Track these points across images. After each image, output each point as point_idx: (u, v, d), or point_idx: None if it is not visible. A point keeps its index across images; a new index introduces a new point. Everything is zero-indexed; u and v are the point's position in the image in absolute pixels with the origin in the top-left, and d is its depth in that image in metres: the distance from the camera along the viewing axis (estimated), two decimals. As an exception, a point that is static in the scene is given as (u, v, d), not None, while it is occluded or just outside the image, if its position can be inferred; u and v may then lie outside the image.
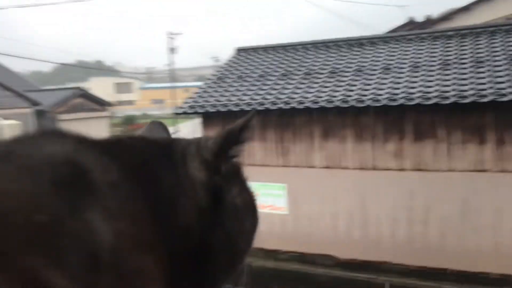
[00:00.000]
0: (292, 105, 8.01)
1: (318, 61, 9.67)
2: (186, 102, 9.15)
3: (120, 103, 60.69)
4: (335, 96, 7.89)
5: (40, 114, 26.13)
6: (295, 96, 8.27)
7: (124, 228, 0.37)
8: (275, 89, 8.74)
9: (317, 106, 7.82)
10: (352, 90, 7.98)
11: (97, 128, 31.06)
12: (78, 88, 32.45)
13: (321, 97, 8.01)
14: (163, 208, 0.45)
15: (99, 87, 63.40)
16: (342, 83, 8.35)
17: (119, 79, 71.49)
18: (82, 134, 0.49)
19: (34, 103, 24.17)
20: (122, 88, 70.34)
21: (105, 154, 0.44)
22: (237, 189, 0.56)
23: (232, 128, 0.56)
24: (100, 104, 32.32)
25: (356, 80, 8.37)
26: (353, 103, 7.54)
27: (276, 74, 9.51)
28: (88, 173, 0.38)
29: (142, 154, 0.48)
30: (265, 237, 6.82)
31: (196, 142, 0.54)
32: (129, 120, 39.32)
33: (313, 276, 8.13)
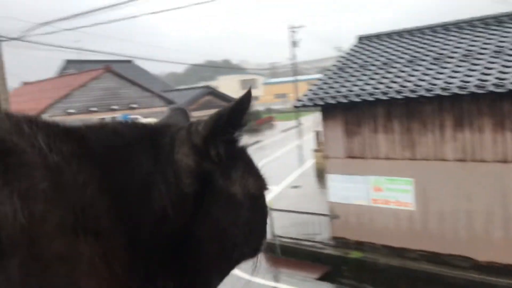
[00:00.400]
0: (419, 93, 7.43)
1: (449, 44, 8.81)
2: (305, 95, 9.09)
3: (246, 99, 63.17)
4: (469, 82, 7.10)
5: (174, 111, 28.52)
6: (423, 83, 7.65)
7: (42, 211, 0.35)
8: (400, 77, 8.20)
9: (449, 93, 7.13)
10: (489, 74, 7.10)
11: (224, 123, 32.81)
12: (207, 86, 34.68)
13: (452, 83, 7.29)
14: (130, 193, 0.42)
15: (226, 85, 66.96)
16: (477, 67, 7.48)
17: (244, 76, 74.55)
18: (45, 118, 0.45)
19: (169, 102, 26.42)
20: (247, 84, 73.17)
21: (61, 138, 0.41)
22: (236, 175, 0.51)
23: (223, 110, 0.51)
24: (227, 100, 34.12)
25: (494, 63, 7.42)
26: (491, 88, 6.70)
27: (401, 60, 8.92)
28: (16, 153, 0.37)
29: (117, 139, 0.46)
30: (390, 234, 6.54)
31: (187, 127, 0.50)
32: (253, 115, 40.76)
33: (446, 278, 7.47)
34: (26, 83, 28.08)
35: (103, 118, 22.12)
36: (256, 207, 0.54)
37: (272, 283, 8.64)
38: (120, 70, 26.45)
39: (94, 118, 21.06)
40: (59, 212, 0.36)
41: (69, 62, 32.56)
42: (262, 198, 0.56)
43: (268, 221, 0.67)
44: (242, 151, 0.54)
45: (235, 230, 0.52)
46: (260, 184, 0.56)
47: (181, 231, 0.46)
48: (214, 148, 0.49)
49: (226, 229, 0.51)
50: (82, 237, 0.37)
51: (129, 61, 34.92)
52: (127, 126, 0.49)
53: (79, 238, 0.37)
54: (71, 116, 19.25)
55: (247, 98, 0.52)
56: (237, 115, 0.51)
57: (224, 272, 0.55)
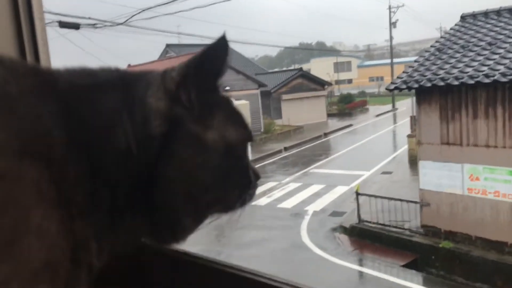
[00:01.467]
0: (528, 75, 6.80)
1: None
2: (400, 77, 8.76)
3: (339, 82, 62.08)
4: None
5: (266, 94, 29.03)
6: (534, 65, 6.98)
7: None
8: (507, 58, 7.54)
9: None
10: None
11: (316, 106, 32.69)
12: (299, 69, 34.61)
13: None
14: (92, 129, 0.45)
15: (319, 67, 66.07)
16: None
17: (338, 59, 72.93)
18: (18, 60, 0.53)
19: (261, 85, 26.92)
20: (341, 67, 71.62)
21: (24, 74, 0.46)
22: (212, 122, 0.52)
23: (197, 56, 0.51)
24: (319, 83, 33.78)
25: None
26: None
27: (510, 40, 8.17)
28: None
29: (88, 79, 0.49)
30: (487, 225, 6.24)
31: (162, 72, 0.53)
32: (345, 98, 39.91)
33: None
34: (130, 66, 30.40)
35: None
36: (232, 156, 0.53)
37: (356, 267, 8.63)
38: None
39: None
40: (2, 135, 0.39)
41: (169, 46, 34.46)
42: (241, 148, 0.55)
43: (248, 173, 0.61)
44: (223, 101, 0.54)
45: (204, 173, 0.52)
46: (241, 134, 0.55)
47: (147, 169, 0.48)
48: (185, 93, 0.50)
49: (193, 170, 0.51)
50: (27, 161, 0.39)
51: (224, 44, 35.91)
52: (106, 70, 0.52)
53: (24, 161, 0.39)
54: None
55: (221, 44, 0.51)
56: (211, 62, 0.51)
57: (196, 215, 0.55)
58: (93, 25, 14.09)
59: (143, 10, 14.61)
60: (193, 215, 0.54)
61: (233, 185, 0.56)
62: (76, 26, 13.07)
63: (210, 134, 0.53)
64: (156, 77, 0.52)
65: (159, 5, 15.05)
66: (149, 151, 0.49)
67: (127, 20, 14.49)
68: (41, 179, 0.40)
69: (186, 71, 0.51)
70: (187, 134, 0.51)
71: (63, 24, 12.59)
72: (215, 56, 0.52)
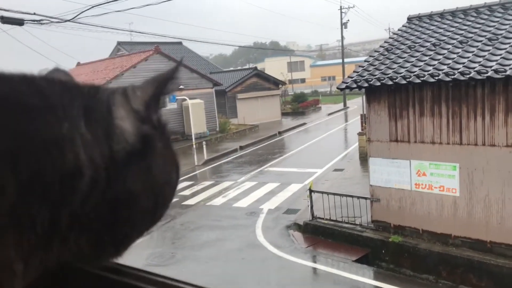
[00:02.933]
0: (470, 75, 7.14)
1: (506, 24, 8.36)
2: (350, 77, 8.96)
3: (292, 81, 62.87)
4: (525, 63, 6.73)
5: (221, 93, 28.93)
6: (474, 65, 7.33)
7: None
8: (450, 59, 7.89)
9: (502, 76, 6.80)
10: (548, 55, 6.70)
11: (270, 105, 32.94)
12: (254, 68, 34.75)
13: (507, 64, 6.94)
14: (38, 152, 0.42)
15: (274, 66, 66.68)
16: (536, 48, 7.07)
17: (292, 58, 73.83)
18: None
19: (216, 84, 26.79)
20: (294, 66, 72.52)
21: None
22: (160, 146, 0.51)
23: (161, 77, 0.51)
24: (273, 83, 34.08)
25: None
26: (549, 70, 6.32)
27: (453, 41, 8.56)
28: None
29: (37, 99, 0.45)
30: (433, 219, 6.46)
31: (122, 91, 0.50)
32: (299, 98, 40.52)
33: (489, 266, 7.26)
34: (80, 64, 29.35)
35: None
36: (175, 179, 0.55)
37: (310, 263, 8.74)
38: (169, 52, 27.02)
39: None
40: None
41: (121, 44, 33.59)
42: (178, 171, 0.55)
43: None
44: (164, 121, 0.53)
45: (167, 190, 0.52)
46: (175, 162, 0.55)
47: (108, 191, 0.45)
48: (155, 113, 0.50)
49: (158, 187, 0.51)
50: None
51: (178, 43, 35.53)
52: (56, 87, 0.48)
53: None
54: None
55: (177, 67, 0.52)
56: (170, 83, 0.51)
57: (145, 231, 0.53)
58: (39, 21, 13.44)
59: (93, 7, 14.07)
60: (142, 231, 0.53)
61: (170, 202, 0.56)
62: (19, 22, 12.42)
63: (173, 151, 0.54)
64: (116, 96, 0.49)
65: (109, 2, 14.55)
66: (111, 172, 0.45)
67: (75, 16, 13.90)
68: None
69: (153, 92, 0.50)
70: (156, 152, 0.50)
71: (5, 20, 11.93)
72: (172, 80, 0.52)
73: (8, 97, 0.44)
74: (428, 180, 8.10)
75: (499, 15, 8.91)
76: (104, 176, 0.45)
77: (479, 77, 7.03)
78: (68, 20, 13.21)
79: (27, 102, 0.44)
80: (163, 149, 0.52)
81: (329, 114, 35.57)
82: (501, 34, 8.02)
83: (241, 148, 21.90)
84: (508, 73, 6.71)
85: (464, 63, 7.52)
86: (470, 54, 7.75)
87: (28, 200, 0.41)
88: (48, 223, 0.42)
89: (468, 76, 7.13)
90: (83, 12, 13.51)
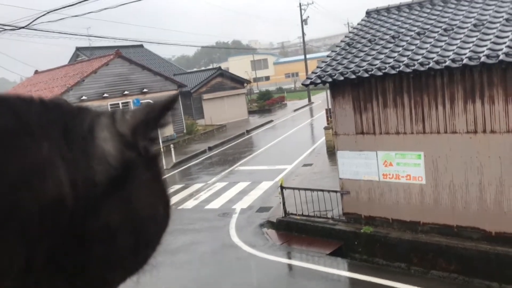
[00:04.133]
0: (429, 65, 7.34)
1: (459, 14, 8.65)
2: (314, 72, 9.04)
3: (257, 79, 63.04)
4: (480, 52, 6.98)
5: (186, 94, 28.65)
6: (433, 55, 7.55)
7: None
8: (409, 50, 8.10)
9: (459, 65, 7.03)
10: (501, 44, 6.97)
11: (236, 104, 32.91)
12: (217, 68, 34.61)
13: (463, 54, 7.18)
14: (15, 180, 0.37)
15: (237, 65, 66.65)
16: (489, 36, 7.34)
17: (255, 56, 73.99)
18: None
19: (180, 85, 26.51)
20: (258, 64, 72.74)
21: None
22: (144, 176, 0.47)
23: (155, 104, 0.48)
24: (238, 82, 34.06)
25: (506, 32, 7.28)
26: (502, 57, 6.58)
27: (411, 33, 8.79)
28: None
29: (13, 121, 0.40)
30: (401, 208, 6.59)
31: (109, 114, 0.46)
32: (264, 95, 40.67)
33: (457, 249, 7.51)
34: (38, 72, 28.38)
35: (115, 104, 22.32)
36: (162, 215, 0.50)
37: (285, 260, 8.79)
38: (130, 55, 26.55)
39: (107, 104, 21.28)
40: None
41: (80, 49, 32.72)
42: (167, 207, 0.51)
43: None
44: (156, 154, 0.50)
45: (153, 226, 0.48)
46: (166, 196, 0.51)
47: (81, 221, 0.41)
48: (142, 140, 0.46)
49: (143, 221, 0.46)
50: None
51: (139, 46, 34.95)
52: (33, 107, 0.44)
53: None
54: (84, 103, 19.45)
55: (176, 98, 0.49)
56: (165, 113, 0.48)
57: (130, 273, 0.48)
58: (-9, 29, 12.89)
59: (48, 12, 13.61)
60: (122, 276, 0.47)
61: (158, 244, 0.51)
62: (-32, 31, 11.87)
63: (161, 186, 0.49)
64: (102, 118, 0.45)
65: (65, 7, 14.11)
66: (89, 202, 0.41)
67: (30, 23, 13.41)
68: None
69: (145, 117, 0.46)
70: (139, 182, 0.46)
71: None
72: (169, 109, 0.48)
73: None
74: (395, 170, 8.29)
75: (453, 5, 9.21)
76: (84, 206, 0.40)
77: (437, 67, 7.24)
78: (23, 27, 12.74)
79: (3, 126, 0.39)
80: (148, 180, 0.47)
81: (295, 110, 35.87)
82: (455, 24, 8.29)
83: (210, 149, 21.78)
84: (464, 62, 6.94)
85: (423, 54, 7.73)
86: (428, 45, 7.97)
87: (3, 240, 0.36)
88: (23, 264, 0.38)
89: (427, 66, 7.33)
90: (38, 18, 13.07)
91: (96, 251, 0.42)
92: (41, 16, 13.38)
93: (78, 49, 32.72)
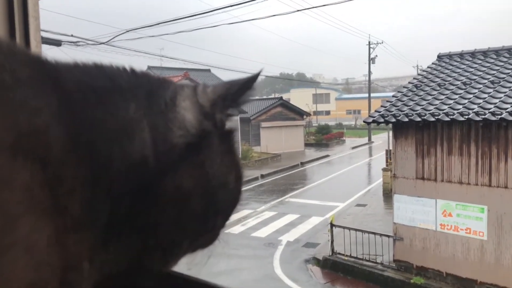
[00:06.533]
0: (501, 116, 6.98)
1: (540, 66, 8.21)
2: (377, 111, 8.89)
3: (317, 112, 62.97)
4: (560, 107, 6.56)
5: (245, 120, 29.11)
6: (506, 106, 7.19)
7: None
8: (481, 98, 7.76)
9: (534, 118, 6.63)
10: None
11: (294, 135, 32.94)
12: (279, 98, 34.99)
13: (540, 107, 6.77)
14: (103, 135, 0.40)
15: (299, 97, 67.03)
16: None
17: (318, 90, 74.16)
18: (18, 46, 0.45)
19: (241, 111, 27.02)
20: (319, 98, 72.79)
21: (24, 62, 0.41)
22: (218, 146, 0.49)
23: (235, 82, 0.50)
24: (298, 113, 34.17)
25: None
26: None
27: (484, 81, 8.44)
28: None
29: (102, 80, 0.44)
30: (458, 262, 6.22)
31: (192, 87, 0.49)
32: (323, 129, 40.40)
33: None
34: (112, 85, 30.06)
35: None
36: (232, 186, 0.51)
37: (328, 300, 8.48)
38: (198, 78, 27.55)
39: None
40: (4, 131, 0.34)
41: (151, 68, 34.44)
42: (238, 185, 0.52)
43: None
44: (232, 130, 0.52)
45: (223, 192, 0.49)
46: (240, 169, 0.53)
47: (159, 182, 0.43)
48: (220, 113, 0.48)
49: (214, 187, 0.48)
50: (20, 160, 0.35)
51: (207, 70, 36.25)
52: (123, 72, 0.47)
53: (16, 159, 0.34)
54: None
55: (255, 78, 0.51)
56: (243, 91, 0.50)
57: (195, 238, 0.50)
58: (75, 43, 13.96)
59: (127, 31, 14.57)
60: (190, 240, 0.50)
61: (227, 216, 0.53)
62: (57, 43, 12.92)
63: (227, 158, 0.50)
64: (185, 89, 0.49)
65: (144, 27, 15.05)
66: (167, 163, 0.43)
67: (110, 39, 14.40)
68: (35, 182, 0.35)
69: (225, 92, 0.49)
70: (213, 150, 0.48)
71: (44, 40, 12.45)
72: (249, 87, 0.50)
73: (78, 80, 0.43)
74: (454, 221, 7.85)
75: (533, 57, 8.77)
76: (162, 167, 0.43)
77: (510, 118, 6.87)
78: (103, 43, 13.68)
79: (95, 84, 0.43)
80: (222, 151, 0.49)
81: (353, 147, 35.25)
82: (534, 76, 7.87)
83: (262, 176, 21.81)
84: (542, 115, 6.54)
85: (495, 103, 7.38)
86: (502, 95, 7.61)
87: (96, 196, 0.39)
88: (108, 219, 0.40)
89: (499, 116, 6.98)
90: (117, 35, 13.98)
91: (168, 211, 0.44)
92: (120, 34, 14.33)
93: (149, 67, 34.45)
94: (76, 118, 0.39)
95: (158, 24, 13.55)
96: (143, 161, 0.41)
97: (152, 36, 15.66)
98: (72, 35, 13.65)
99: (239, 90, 0.49)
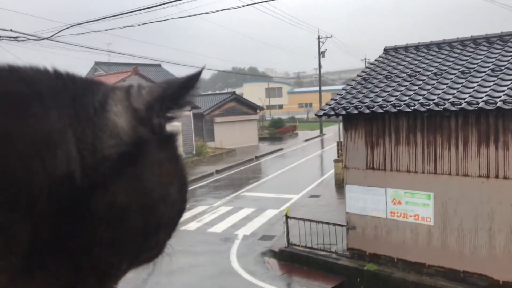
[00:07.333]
0: (444, 106, 7.31)
1: (478, 58, 8.66)
2: (328, 104, 9.06)
3: (270, 106, 63.44)
4: (497, 96, 6.95)
5: (198, 116, 28.87)
6: (449, 96, 7.53)
7: None
8: (425, 90, 8.09)
9: (475, 108, 6.99)
10: (518, 90, 6.94)
11: (248, 129, 33.03)
12: (232, 93, 34.94)
13: (480, 97, 7.15)
14: (19, 153, 0.35)
15: (252, 92, 67.26)
16: (507, 82, 7.32)
17: (270, 84, 74.66)
18: None
19: (194, 107, 26.73)
20: (272, 92, 73.34)
21: None
22: (157, 154, 0.44)
23: (173, 81, 0.45)
24: (251, 107, 34.29)
25: (525, 78, 7.26)
26: (520, 104, 6.54)
27: (428, 73, 8.80)
28: None
29: (20, 85, 0.38)
30: (407, 248, 6.45)
31: (125, 88, 0.44)
32: (276, 123, 40.81)
33: (463, 297, 7.29)
34: (56, 82, 28.82)
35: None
36: (175, 198, 0.46)
37: (285, 291, 8.59)
38: (148, 74, 26.92)
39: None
40: None
41: (98, 64, 33.29)
42: (182, 190, 0.48)
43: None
44: (174, 135, 0.47)
45: (164, 206, 0.45)
46: (183, 176, 0.48)
47: (88, 198, 0.38)
48: (157, 117, 0.43)
49: (153, 200, 0.43)
50: None
51: (157, 65, 35.50)
52: (43, 74, 0.42)
53: None
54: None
55: (197, 76, 0.47)
56: (184, 92, 0.46)
57: (135, 258, 0.46)
58: (15, 38, 13.22)
59: (72, 26, 13.95)
60: (129, 260, 0.45)
61: (172, 229, 0.48)
62: (-6, 38, 12.18)
63: (178, 165, 0.47)
64: (117, 92, 0.43)
65: (89, 21, 14.46)
66: (97, 178, 0.38)
67: (54, 34, 13.73)
68: None
69: (162, 93, 0.44)
70: (150, 160, 0.43)
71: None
72: (189, 87, 0.46)
73: None
74: (403, 208, 8.16)
75: (471, 49, 9.24)
76: (92, 182, 0.38)
77: (453, 108, 7.21)
78: (46, 38, 13.04)
79: (8, 90, 0.37)
80: (162, 160, 0.45)
81: (306, 140, 35.86)
82: (473, 68, 8.29)
83: (218, 172, 21.74)
84: (480, 105, 6.91)
85: (439, 94, 7.71)
86: (444, 86, 7.96)
87: (12, 220, 0.34)
88: (30, 243, 0.35)
89: (442, 107, 7.30)
90: (61, 30, 13.37)
91: (102, 232, 0.39)
92: (65, 29, 13.70)
93: (96, 63, 33.30)
94: None
95: (104, 18, 13.07)
96: (68, 177, 0.37)
97: (98, 31, 15.11)
98: (11, 30, 12.91)
99: (179, 90, 0.45)
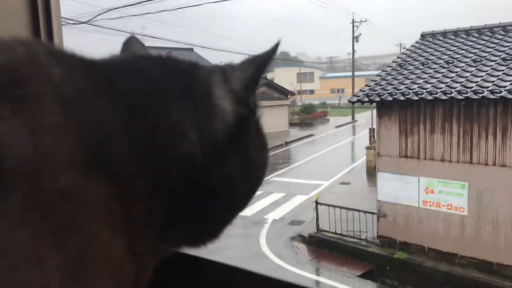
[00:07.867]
0: (483, 94, 7.11)
1: (520, 45, 8.34)
2: (361, 90, 8.95)
3: (301, 92, 62.95)
4: (539, 85, 6.70)
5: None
6: (488, 84, 7.31)
7: (50, 145, 0.33)
8: (463, 77, 7.87)
9: (515, 96, 6.77)
10: None
11: (278, 115, 32.94)
12: (264, 78, 34.75)
13: (520, 85, 6.91)
14: (155, 139, 0.41)
15: (283, 77, 66.72)
16: (551, 70, 7.04)
17: (302, 69, 73.91)
18: (66, 49, 0.44)
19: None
20: (304, 77, 72.67)
21: (79, 71, 0.40)
22: (254, 129, 0.51)
23: (260, 58, 0.49)
24: (282, 92, 34.09)
25: None
26: None
27: (466, 60, 8.54)
28: (26, 83, 0.35)
29: (146, 85, 0.44)
30: (439, 237, 6.38)
31: (221, 71, 0.48)
32: (307, 108, 40.48)
33: (494, 287, 7.17)
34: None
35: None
36: (266, 163, 0.54)
37: (313, 276, 8.68)
38: (181, 57, 27.14)
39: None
40: (68, 147, 0.34)
41: (134, 47, 33.73)
42: (268, 156, 0.56)
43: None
44: (259, 109, 0.53)
45: (261, 173, 0.54)
46: (266, 143, 0.56)
47: (206, 174, 0.45)
48: (252, 95, 0.48)
49: (255, 170, 0.51)
50: (93, 176, 0.35)
51: (190, 49, 35.72)
52: (160, 72, 0.47)
53: (90, 177, 0.34)
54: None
55: (274, 52, 0.50)
56: (265, 67, 0.49)
57: (234, 217, 0.53)
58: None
59: (109, 10, 14.24)
60: (236, 214, 0.53)
61: (249, 197, 0.56)
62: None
63: (263, 133, 0.55)
64: (215, 75, 0.48)
65: (125, 6, 14.72)
66: (214, 156, 0.45)
67: (91, 19, 14.07)
68: (108, 197, 0.36)
69: (252, 73, 0.48)
70: (252, 134, 0.51)
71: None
72: (269, 62, 0.49)
73: (125, 83, 0.42)
74: (436, 197, 8.04)
75: (514, 35, 8.89)
76: (211, 161, 0.44)
77: (492, 96, 7.01)
78: (84, 22, 13.36)
79: (140, 87, 0.43)
80: (256, 131, 0.53)
81: (337, 126, 35.49)
82: (515, 55, 7.99)
83: (248, 156, 21.86)
84: (521, 94, 6.68)
85: (477, 82, 7.50)
86: (483, 73, 7.73)
87: (157, 200, 0.41)
88: (163, 216, 0.42)
89: (481, 95, 7.11)
90: (99, 14, 13.67)
91: (220, 197, 0.47)
92: (102, 13, 14.01)
93: (132, 47, 33.77)
94: (131, 126, 0.40)
95: (140, 2, 13.26)
96: (193, 160, 0.43)
97: (135, 15, 15.36)
98: (51, 14, 13.28)
99: (264, 68, 0.49)
